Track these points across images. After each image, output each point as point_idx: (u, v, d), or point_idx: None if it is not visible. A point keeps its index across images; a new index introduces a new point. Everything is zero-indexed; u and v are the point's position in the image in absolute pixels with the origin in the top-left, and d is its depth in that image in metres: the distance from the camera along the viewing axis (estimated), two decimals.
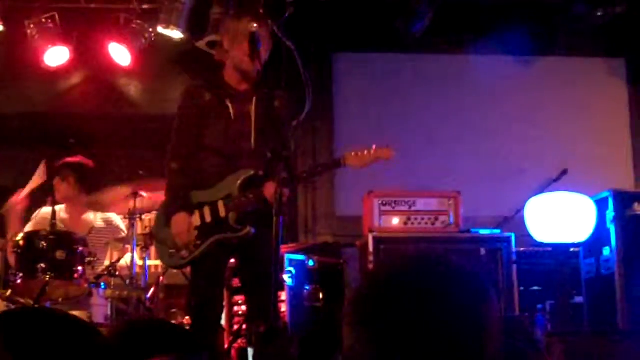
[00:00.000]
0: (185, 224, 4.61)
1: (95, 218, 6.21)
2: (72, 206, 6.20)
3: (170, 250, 4.71)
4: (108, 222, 6.21)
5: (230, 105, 4.68)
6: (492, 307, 1.61)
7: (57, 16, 7.31)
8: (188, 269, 4.95)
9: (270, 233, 3.99)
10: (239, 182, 4.61)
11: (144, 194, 5.67)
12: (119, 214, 6.18)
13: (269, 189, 4.38)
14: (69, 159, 6.24)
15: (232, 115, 4.66)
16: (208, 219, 4.64)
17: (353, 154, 4.58)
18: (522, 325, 5.25)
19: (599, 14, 7.33)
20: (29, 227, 5.96)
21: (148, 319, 5.25)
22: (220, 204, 4.63)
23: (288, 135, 4.65)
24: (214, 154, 4.70)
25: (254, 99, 4.70)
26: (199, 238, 4.63)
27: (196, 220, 4.65)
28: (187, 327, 5.90)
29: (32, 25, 7.28)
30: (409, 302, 1.56)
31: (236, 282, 5.67)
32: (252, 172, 4.63)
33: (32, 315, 1.80)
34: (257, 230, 4.58)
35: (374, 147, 4.59)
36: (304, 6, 7.08)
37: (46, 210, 6.05)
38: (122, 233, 6.10)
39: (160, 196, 5.77)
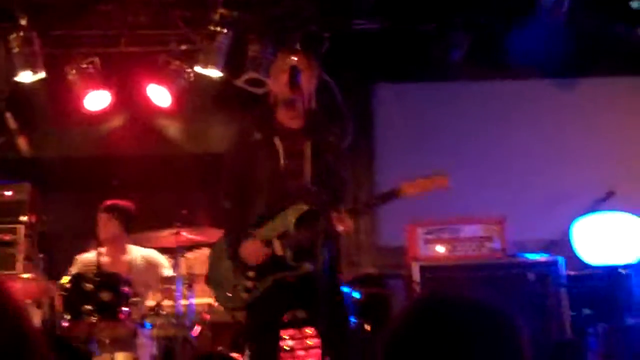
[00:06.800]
0: (254, 244, 4.49)
1: (134, 257, 6.22)
2: (112, 247, 6.22)
3: (228, 294, 4.59)
4: (148, 261, 6.21)
5: (279, 143, 4.56)
6: (524, 345, 1.60)
7: (97, 61, 7.40)
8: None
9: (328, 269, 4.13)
10: (294, 218, 4.47)
11: (184, 233, 5.67)
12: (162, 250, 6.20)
13: (338, 221, 4.33)
14: (110, 202, 6.28)
15: (280, 153, 4.54)
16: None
17: (408, 184, 4.41)
18: (575, 351, 5.14)
19: (639, 33, 7.25)
20: (73, 271, 6.01)
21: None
22: (276, 242, 4.49)
23: (344, 169, 4.64)
24: (264, 192, 4.55)
25: (308, 137, 4.56)
26: (256, 279, 4.50)
27: None
28: None
29: (73, 71, 7.36)
30: (442, 348, 1.55)
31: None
32: (306, 208, 4.47)
33: None
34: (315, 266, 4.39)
35: (429, 176, 4.44)
36: (341, 39, 7.13)
37: (86, 255, 6.14)
38: (165, 271, 6.11)
39: (203, 235, 5.80)
